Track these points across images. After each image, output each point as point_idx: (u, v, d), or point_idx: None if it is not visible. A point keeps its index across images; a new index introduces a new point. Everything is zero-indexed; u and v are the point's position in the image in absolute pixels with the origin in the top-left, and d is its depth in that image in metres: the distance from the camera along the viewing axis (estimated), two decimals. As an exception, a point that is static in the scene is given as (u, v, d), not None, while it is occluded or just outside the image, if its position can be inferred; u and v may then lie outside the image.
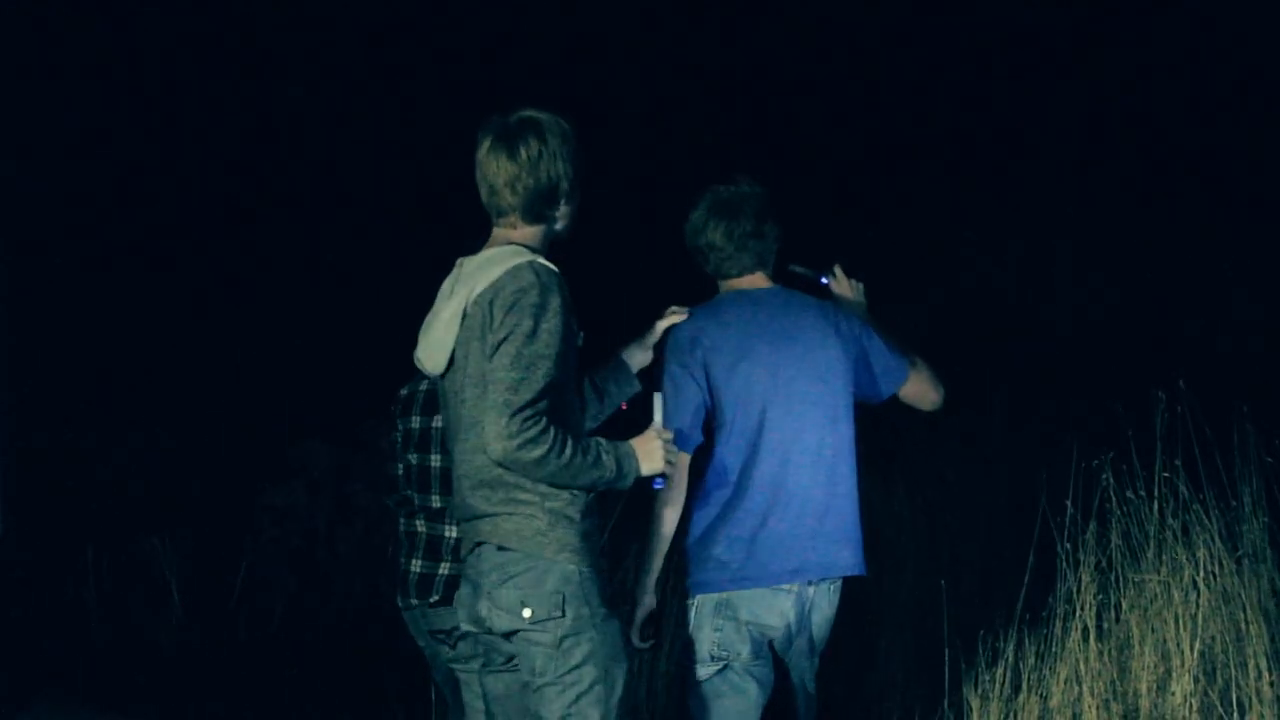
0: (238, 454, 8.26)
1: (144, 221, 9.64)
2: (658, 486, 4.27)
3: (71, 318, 8.96)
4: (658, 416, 4.17)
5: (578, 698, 3.90)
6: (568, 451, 3.85)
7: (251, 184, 9.92)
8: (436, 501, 4.82)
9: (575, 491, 3.95)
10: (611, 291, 7.92)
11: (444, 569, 4.79)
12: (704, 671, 4.47)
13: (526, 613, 3.89)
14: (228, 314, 9.34)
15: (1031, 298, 11.32)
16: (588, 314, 4.14)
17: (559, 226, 4.10)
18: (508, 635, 3.96)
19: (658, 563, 4.48)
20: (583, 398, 4.26)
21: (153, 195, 9.75)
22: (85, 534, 7.02)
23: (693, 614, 4.50)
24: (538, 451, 3.81)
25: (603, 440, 3.98)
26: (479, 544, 3.98)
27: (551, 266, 3.96)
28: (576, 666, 3.90)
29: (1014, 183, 11.46)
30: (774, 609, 4.49)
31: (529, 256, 3.95)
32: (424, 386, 4.93)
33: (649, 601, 4.52)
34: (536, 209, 4.03)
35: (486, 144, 4.04)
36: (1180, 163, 11.44)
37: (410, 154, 9.99)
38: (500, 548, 3.93)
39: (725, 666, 4.47)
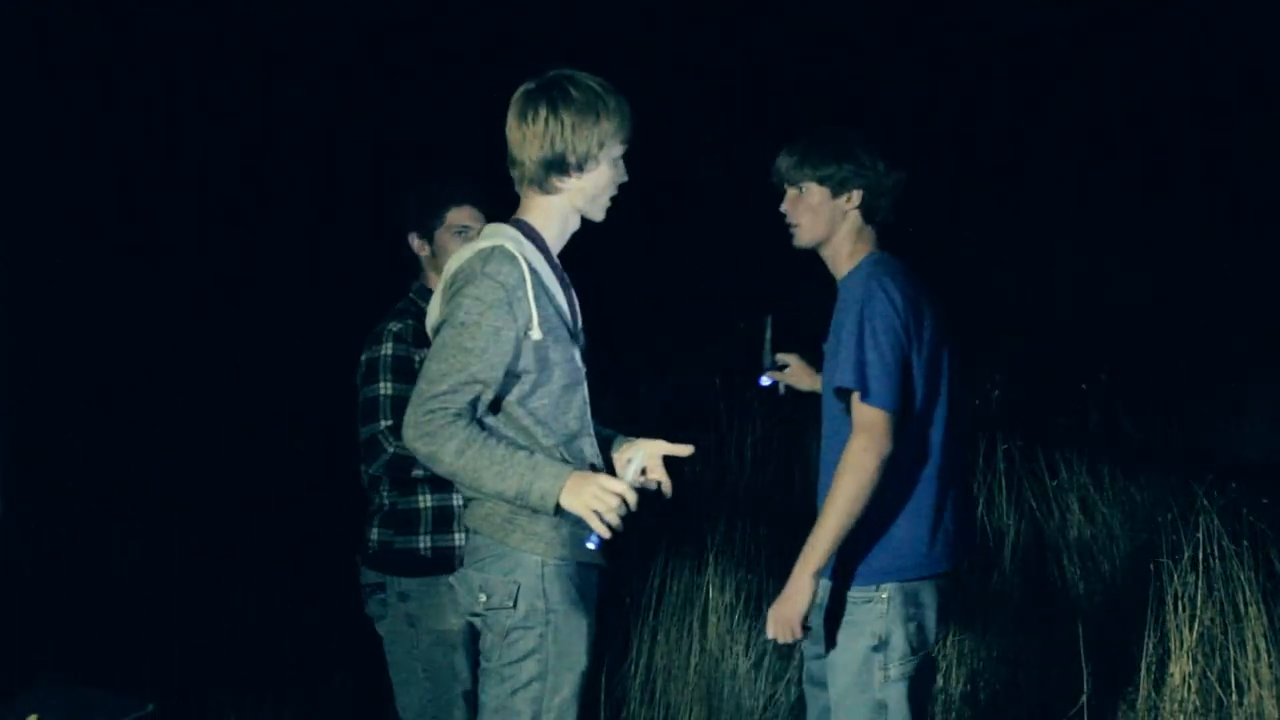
0: (238, 449, 8.27)
1: (144, 221, 9.66)
2: (590, 545, 3.77)
3: (72, 315, 8.97)
4: (630, 471, 3.82)
5: (512, 691, 3.79)
6: (468, 454, 3.67)
7: (252, 183, 9.94)
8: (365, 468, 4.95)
9: None
10: (614, 291, 7.94)
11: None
12: (905, 668, 4.13)
13: (483, 597, 3.82)
14: (228, 313, 9.36)
15: (1031, 297, 11.34)
16: (591, 313, 4.06)
17: (578, 202, 3.89)
18: (474, 616, 3.92)
19: (836, 545, 4.06)
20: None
21: (154, 195, 9.77)
22: (86, 517, 7.03)
23: (884, 604, 4.13)
24: (432, 447, 3.68)
25: (532, 458, 3.74)
26: (468, 527, 3.96)
27: (515, 255, 3.77)
28: (518, 660, 3.79)
29: (1014, 182, 11.49)
30: (949, 591, 4.27)
31: (499, 241, 3.80)
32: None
33: (813, 588, 4.06)
34: (541, 179, 3.87)
35: (510, 103, 3.92)
36: (1181, 161, 11.47)
37: (412, 153, 10.01)
38: (475, 531, 3.88)
39: (925, 656, 4.19)
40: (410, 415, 3.72)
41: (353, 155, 10.06)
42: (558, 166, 3.85)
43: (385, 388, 4.82)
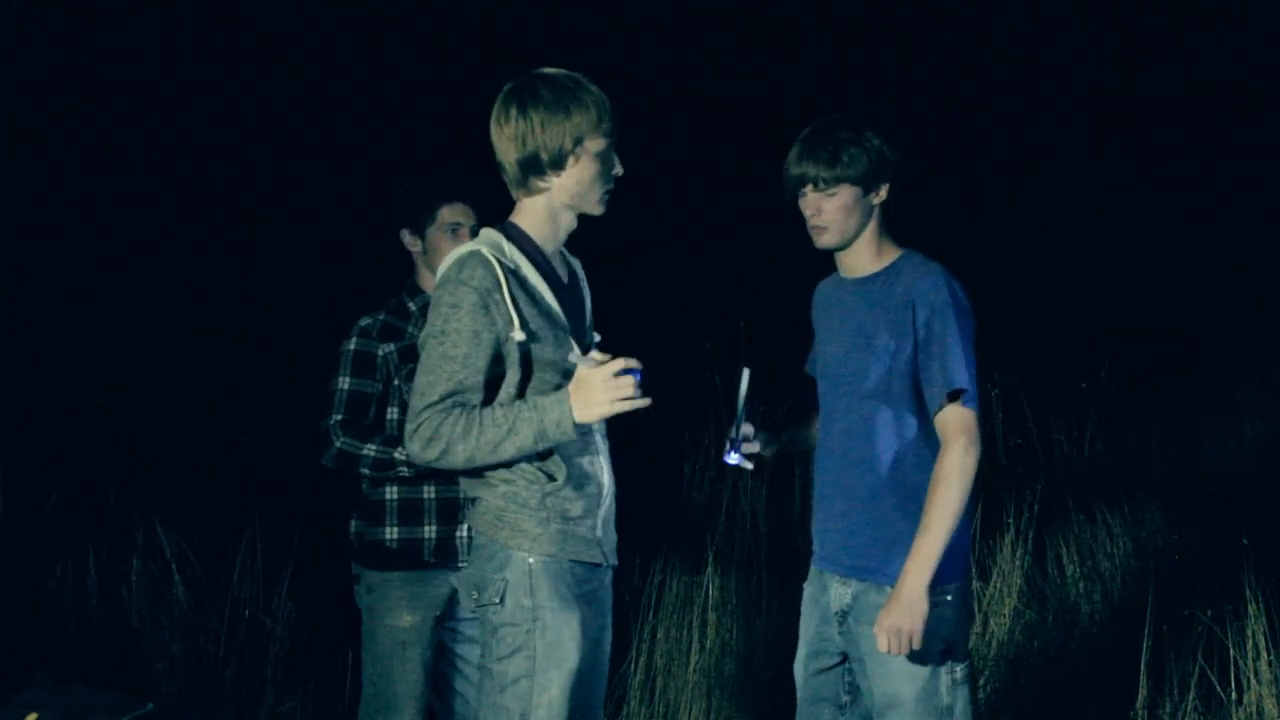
0: (240, 445, 8.26)
1: (146, 220, 9.65)
2: (636, 377, 3.75)
3: (75, 313, 8.97)
4: (594, 352, 3.80)
5: (501, 689, 3.80)
6: (473, 434, 3.71)
7: (256, 185, 9.93)
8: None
9: (536, 473, 3.81)
10: (609, 284, 7.93)
11: None
12: (967, 671, 4.10)
13: (474, 594, 3.84)
14: (232, 308, 9.35)
15: (1031, 296, 11.32)
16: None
17: (564, 199, 3.87)
18: (473, 615, 3.94)
19: (944, 551, 3.96)
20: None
21: (157, 197, 9.76)
22: (86, 511, 7.02)
23: (949, 607, 4.06)
24: (439, 446, 3.72)
25: (530, 400, 3.76)
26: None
27: (489, 259, 3.77)
28: (506, 657, 3.80)
29: (1014, 181, 11.48)
30: None
31: (478, 246, 3.81)
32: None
33: (928, 598, 3.96)
34: (522, 180, 3.88)
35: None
36: (1182, 160, 11.47)
37: (412, 155, 10.01)
38: (475, 530, 3.90)
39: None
40: (408, 431, 3.76)
41: (356, 156, 10.05)
42: (533, 166, 3.85)
43: (343, 382, 4.89)
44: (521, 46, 10.21)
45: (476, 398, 3.76)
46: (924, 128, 11.24)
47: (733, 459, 4.20)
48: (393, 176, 5.22)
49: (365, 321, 4.93)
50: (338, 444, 4.82)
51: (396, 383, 4.88)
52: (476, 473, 3.85)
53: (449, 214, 4.92)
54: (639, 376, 3.76)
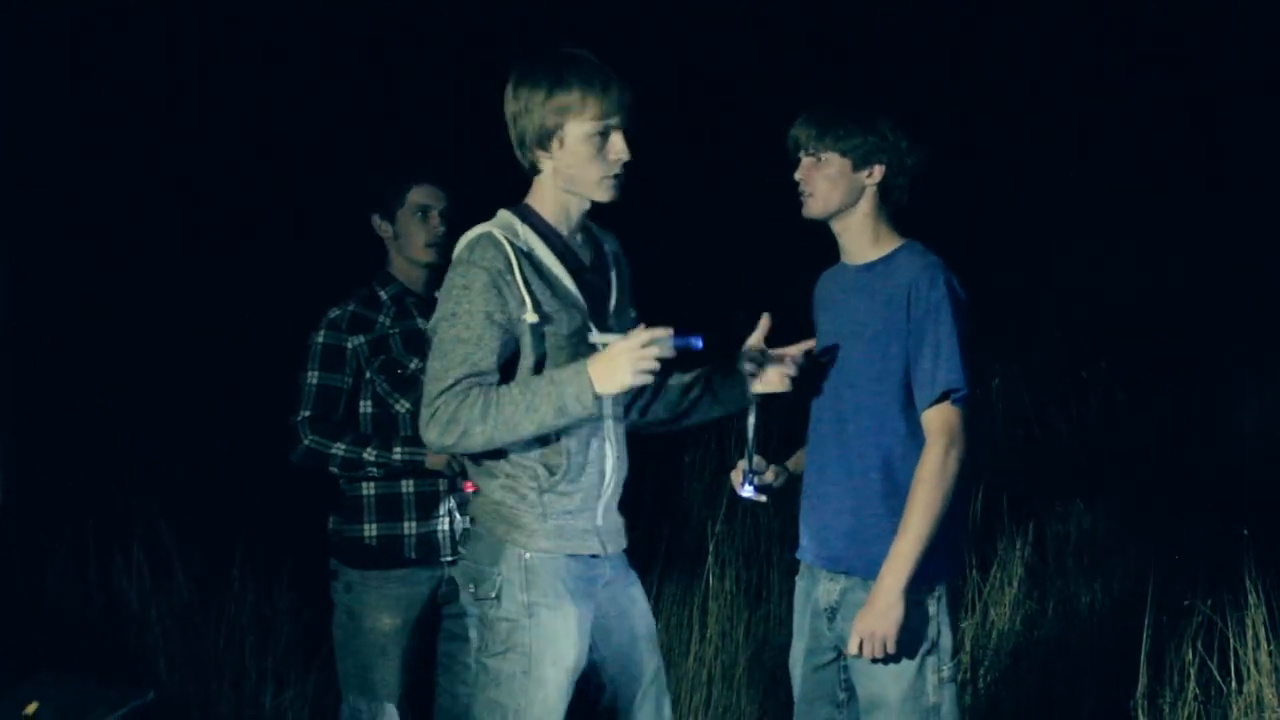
0: (240, 437, 8.26)
1: (147, 222, 9.65)
2: (697, 347, 3.64)
3: (76, 311, 8.97)
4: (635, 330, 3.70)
5: (496, 684, 3.75)
6: (492, 413, 3.64)
7: (256, 184, 9.93)
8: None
9: (538, 467, 3.76)
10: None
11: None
12: (953, 670, 4.03)
13: (471, 587, 3.80)
14: (230, 306, 9.35)
15: (1031, 292, 11.34)
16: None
17: (560, 181, 3.79)
18: (470, 607, 3.87)
19: (922, 554, 3.91)
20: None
21: (156, 196, 9.76)
22: (87, 506, 7.02)
23: (935, 605, 3.99)
24: (456, 430, 3.65)
25: (548, 374, 3.68)
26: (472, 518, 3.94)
27: (500, 240, 3.72)
28: (500, 653, 3.75)
29: (1014, 181, 11.49)
30: None
31: (486, 228, 3.77)
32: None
33: (904, 601, 3.90)
34: (524, 158, 3.84)
35: None
36: (1182, 158, 11.49)
37: (414, 155, 10.00)
38: (474, 521, 3.86)
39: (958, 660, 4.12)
40: (424, 417, 3.70)
41: (357, 156, 10.05)
42: (522, 145, 3.81)
43: (312, 377, 4.78)
44: (520, 42, 10.22)
45: (492, 379, 3.70)
46: (924, 127, 11.24)
47: (747, 492, 4.14)
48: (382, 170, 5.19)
49: (334, 313, 4.81)
50: (306, 441, 4.73)
51: (368, 375, 4.77)
52: (479, 461, 3.79)
53: (417, 196, 4.83)
54: (699, 345, 3.66)
